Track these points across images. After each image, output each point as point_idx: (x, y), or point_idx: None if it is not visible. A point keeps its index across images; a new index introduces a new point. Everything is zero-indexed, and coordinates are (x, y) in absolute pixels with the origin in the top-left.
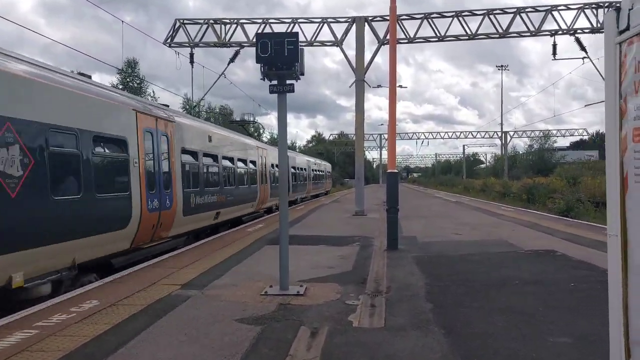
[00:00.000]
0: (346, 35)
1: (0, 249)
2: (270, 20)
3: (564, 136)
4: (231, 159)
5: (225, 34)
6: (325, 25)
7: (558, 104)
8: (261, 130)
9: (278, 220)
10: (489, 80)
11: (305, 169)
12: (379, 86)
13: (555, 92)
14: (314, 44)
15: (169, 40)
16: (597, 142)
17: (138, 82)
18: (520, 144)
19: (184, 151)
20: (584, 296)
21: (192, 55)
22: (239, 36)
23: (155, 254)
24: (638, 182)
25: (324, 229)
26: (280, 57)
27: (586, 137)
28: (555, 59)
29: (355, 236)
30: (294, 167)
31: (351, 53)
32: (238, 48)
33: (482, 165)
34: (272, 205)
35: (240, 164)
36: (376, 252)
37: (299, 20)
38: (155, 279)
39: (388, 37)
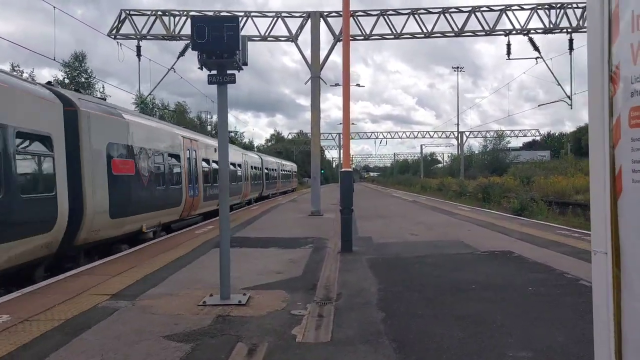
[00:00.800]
0: (301, 31)
1: (140, 211)
2: (222, 14)
3: (517, 137)
4: None
5: (175, 26)
6: (280, 20)
7: (511, 106)
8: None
9: (232, 220)
10: (445, 82)
11: (275, 170)
12: (336, 84)
13: (508, 94)
14: (268, 39)
15: (114, 32)
16: (548, 142)
17: (86, 77)
18: (475, 144)
19: (203, 159)
20: (542, 302)
21: (139, 47)
22: (190, 29)
23: (190, 223)
24: (637, 182)
25: (277, 230)
26: (219, 43)
27: (538, 138)
28: (509, 59)
29: (309, 238)
30: (267, 168)
31: (307, 50)
32: (188, 41)
33: (439, 165)
34: (251, 197)
35: (231, 167)
36: (329, 254)
37: (252, 14)
38: (83, 287)
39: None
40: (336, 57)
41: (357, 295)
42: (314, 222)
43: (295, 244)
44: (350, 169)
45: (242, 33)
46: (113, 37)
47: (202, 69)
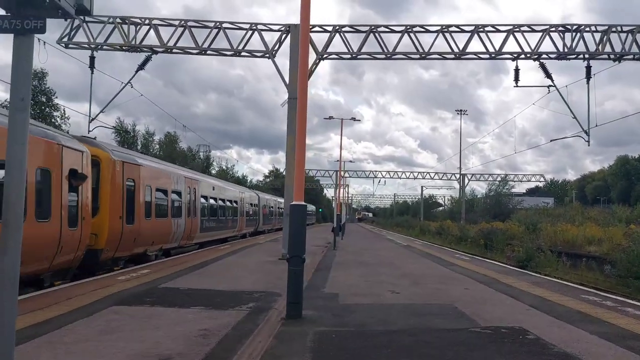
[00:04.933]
0: (280, 46)
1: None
2: (189, 23)
3: (520, 181)
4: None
5: (136, 34)
6: (256, 33)
7: (513, 151)
8: (211, 161)
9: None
10: (447, 126)
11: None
12: (330, 117)
13: (509, 140)
14: (242, 53)
15: (65, 39)
16: (551, 189)
17: (46, 98)
18: (477, 189)
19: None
20: None
21: (92, 58)
22: (152, 39)
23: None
24: None
25: (225, 279)
26: None
27: (541, 184)
28: (517, 86)
29: (257, 292)
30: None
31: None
32: (150, 53)
33: (440, 208)
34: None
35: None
36: (268, 323)
37: (223, 25)
38: None
39: (329, 50)
40: (337, 96)
41: None
42: (279, 268)
43: (232, 301)
44: (302, 202)
45: (213, 46)
46: (64, 45)
47: None
